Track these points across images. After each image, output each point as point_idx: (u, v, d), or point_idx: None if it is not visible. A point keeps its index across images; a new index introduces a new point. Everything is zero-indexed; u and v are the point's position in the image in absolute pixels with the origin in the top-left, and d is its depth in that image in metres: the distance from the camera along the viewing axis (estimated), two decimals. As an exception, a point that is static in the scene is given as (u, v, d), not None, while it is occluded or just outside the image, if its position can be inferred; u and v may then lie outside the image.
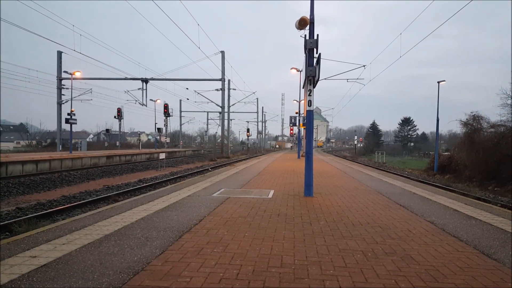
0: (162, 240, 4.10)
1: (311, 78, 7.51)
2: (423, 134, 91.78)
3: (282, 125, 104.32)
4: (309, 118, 7.91)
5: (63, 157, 21.86)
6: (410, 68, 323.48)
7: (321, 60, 7.42)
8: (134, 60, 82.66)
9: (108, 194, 11.30)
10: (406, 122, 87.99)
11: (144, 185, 14.03)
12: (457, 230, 4.82)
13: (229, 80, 38.09)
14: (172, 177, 17.46)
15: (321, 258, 3.54)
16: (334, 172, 14.72)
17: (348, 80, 21.34)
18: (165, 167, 24.74)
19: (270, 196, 7.65)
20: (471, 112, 23.61)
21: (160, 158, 22.29)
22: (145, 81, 30.94)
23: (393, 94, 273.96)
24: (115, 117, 41.53)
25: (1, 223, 7.28)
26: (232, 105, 44.84)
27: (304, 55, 7.79)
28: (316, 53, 7.55)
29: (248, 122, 72.55)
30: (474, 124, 22.98)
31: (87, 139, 70.82)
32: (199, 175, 16.36)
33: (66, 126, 30.41)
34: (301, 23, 7.41)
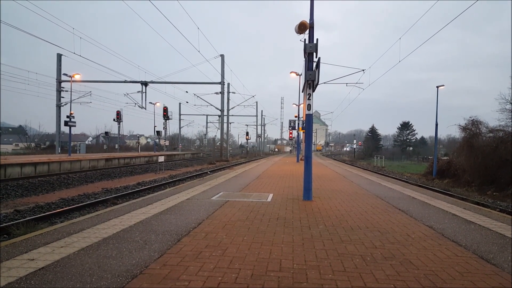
0: (161, 243, 4.09)
1: (311, 82, 7.53)
2: (422, 138, 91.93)
3: (281, 129, 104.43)
4: (308, 122, 7.92)
5: (62, 159, 21.82)
6: (409, 72, 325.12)
7: (320, 64, 7.45)
8: (134, 63, 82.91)
9: (107, 197, 11.27)
10: (405, 126, 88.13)
11: (143, 188, 14.00)
12: (456, 234, 4.82)
13: (228, 84, 38.20)
14: (171, 180, 17.44)
15: (320, 263, 3.53)
16: (333, 176, 14.72)
17: (347, 85, 21.32)
18: (164, 170, 24.72)
19: (269, 199, 7.65)
20: (470, 117, 23.69)
21: (159, 161, 22.29)
22: (145, 84, 30.97)
23: (392, 98, 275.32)
24: (114, 120, 41.58)
25: (-1, 226, 7.26)
26: (232, 108, 44.92)
27: (304, 59, 7.82)
28: (316, 57, 7.58)
29: (247, 125, 72.66)
30: (473, 128, 23.03)
31: (86, 142, 70.69)
32: (198, 178, 16.34)
33: (65, 129, 30.38)
34: (301, 28, 7.45)
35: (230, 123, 54.58)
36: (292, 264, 3.45)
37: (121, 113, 41.26)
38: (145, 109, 31.94)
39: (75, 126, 28.71)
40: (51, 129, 69.61)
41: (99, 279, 2.97)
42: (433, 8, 12.01)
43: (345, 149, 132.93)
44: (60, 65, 31.09)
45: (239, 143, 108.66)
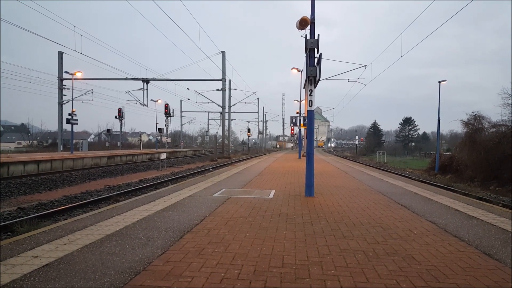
0: (164, 240, 4.11)
1: (312, 78, 7.50)
2: (424, 134, 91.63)
3: (283, 125, 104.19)
4: (310, 118, 7.90)
5: (64, 157, 21.89)
6: (411, 68, 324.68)
7: (322, 60, 7.42)
8: (135, 61, 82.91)
9: (109, 194, 11.31)
10: (407, 122, 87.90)
11: (145, 185, 14.04)
12: (458, 230, 4.81)
13: (229, 80, 38.14)
14: (173, 177, 17.47)
15: (322, 258, 3.54)
16: (335, 172, 14.71)
17: (349, 80, 21.30)
18: (166, 167, 24.76)
19: (271, 196, 7.66)
20: (472, 112, 23.53)
21: (161, 158, 22.31)
22: (146, 81, 30.95)
23: (394, 94, 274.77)
24: (116, 117, 41.64)
25: (3, 223, 7.30)
26: (233, 105, 44.92)
27: (305, 55, 7.79)
28: (317, 53, 7.55)
29: (249, 122, 72.55)
30: (475, 124, 22.91)
31: (88, 139, 70.90)
32: (200, 175, 16.37)
33: (67, 127, 30.51)
34: (302, 23, 7.41)
35: (232, 120, 54.56)
36: (294, 260, 3.46)
37: (122, 110, 41.29)
38: (147, 106, 31.94)
39: (77, 123, 28.80)
40: (53, 127, 69.99)
41: (102, 276, 2.98)
42: (433, 4, 11.92)
43: (329, 144, 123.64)
44: (62, 63, 31.07)
45: (241, 140, 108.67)
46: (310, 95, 7.56)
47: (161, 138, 52.53)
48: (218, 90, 34.47)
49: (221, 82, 33.62)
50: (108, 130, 54.07)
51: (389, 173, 17.76)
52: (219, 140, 47.08)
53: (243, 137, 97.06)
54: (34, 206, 9.73)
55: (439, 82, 27.49)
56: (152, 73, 44.75)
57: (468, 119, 23.57)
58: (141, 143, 53.26)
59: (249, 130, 65.79)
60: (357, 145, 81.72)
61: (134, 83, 31.74)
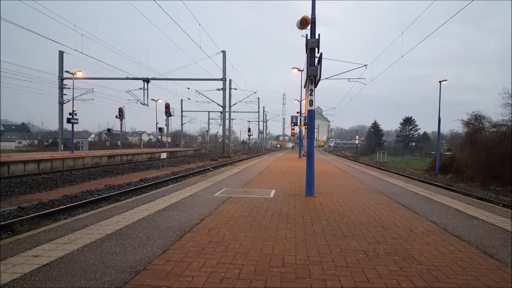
0: (164, 239, 4.11)
1: (313, 77, 7.50)
2: (425, 133, 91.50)
3: (283, 125, 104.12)
4: (310, 117, 7.89)
5: (64, 156, 21.90)
6: (411, 68, 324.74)
7: (322, 59, 7.41)
8: (136, 60, 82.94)
9: (110, 194, 11.31)
10: (408, 121, 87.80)
11: (146, 184, 14.04)
12: (459, 230, 4.81)
13: (230, 80, 38.13)
14: (174, 176, 17.47)
15: (323, 258, 3.53)
16: (336, 171, 14.70)
17: (350, 80, 21.25)
18: (167, 166, 24.76)
19: (271, 195, 7.65)
20: (473, 112, 23.47)
21: (162, 157, 22.32)
22: (147, 81, 30.94)
23: (394, 94, 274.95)
24: (116, 116, 41.64)
25: (3, 223, 7.30)
26: (233, 104, 44.89)
27: (306, 54, 7.78)
28: (318, 52, 7.54)
29: (249, 121, 72.53)
30: (476, 123, 22.86)
31: (89, 139, 70.91)
32: (201, 174, 16.37)
33: (67, 126, 30.53)
34: (303, 23, 7.40)
35: (232, 120, 54.53)
36: (295, 260, 3.46)
37: (123, 110, 41.28)
38: (147, 105, 31.94)
39: (77, 123, 28.81)
40: (53, 126, 69.87)
41: (103, 275, 2.98)
42: (433, 4, 11.91)
43: (329, 144, 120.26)
44: (62, 62, 31.05)
45: (241, 140, 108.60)
46: (311, 94, 7.56)
47: (161, 137, 52.52)
48: (218, 89, 34.49)
49: (221, 81, 33.61)
50: (109, 130, 54.14)
51: (389, 173, 17.75)
52: (220, 140, 47.12)
53: (244, 136, 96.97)
54: (34, 205, 9.73)
55: (440, 81, 27.43)
56: (153, 73, 44.83)
57: (468, 119, 23.53)
58: (142, 143, 53.22)
59: (249, 130, 65.77)
60: (358, 145, 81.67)
61: (135, 83, 31.74)
